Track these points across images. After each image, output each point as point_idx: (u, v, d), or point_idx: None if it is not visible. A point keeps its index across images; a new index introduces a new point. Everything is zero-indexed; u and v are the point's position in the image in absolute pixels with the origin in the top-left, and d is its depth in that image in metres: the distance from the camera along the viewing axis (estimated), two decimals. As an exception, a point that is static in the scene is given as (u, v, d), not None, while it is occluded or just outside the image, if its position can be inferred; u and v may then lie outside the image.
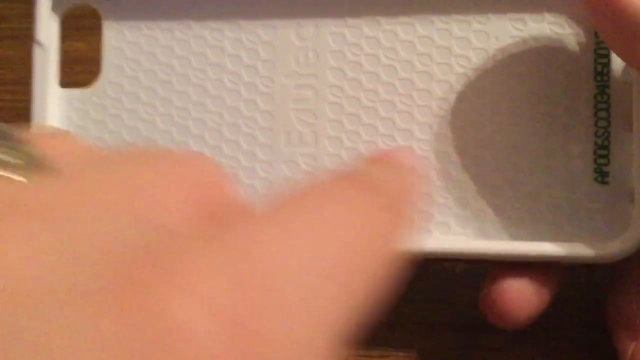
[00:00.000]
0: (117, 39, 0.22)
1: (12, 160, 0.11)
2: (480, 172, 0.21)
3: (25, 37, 0.22)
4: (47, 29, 0.22)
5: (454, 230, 0.21)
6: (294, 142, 0.22)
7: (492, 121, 0.21)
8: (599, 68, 0.21)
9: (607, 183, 0.20)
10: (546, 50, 0.21)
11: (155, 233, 0.10)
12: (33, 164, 0.11)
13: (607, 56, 0.20)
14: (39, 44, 0.22)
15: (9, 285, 0.08)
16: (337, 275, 0.11)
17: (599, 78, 0.21)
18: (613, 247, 0.19)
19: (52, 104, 0.22)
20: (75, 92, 0.22)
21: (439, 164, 0.21)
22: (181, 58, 0.22)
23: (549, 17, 0.21)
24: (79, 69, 0.24)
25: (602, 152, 0.20)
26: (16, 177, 0.11)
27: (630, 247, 0.19)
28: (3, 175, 0.11)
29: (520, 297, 0.20)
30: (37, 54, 0.22)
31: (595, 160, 0.21)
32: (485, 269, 0.21)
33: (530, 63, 0.21)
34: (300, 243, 0.10)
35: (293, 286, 0.10)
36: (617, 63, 0.20)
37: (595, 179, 0.20)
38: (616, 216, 0.20)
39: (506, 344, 0.22)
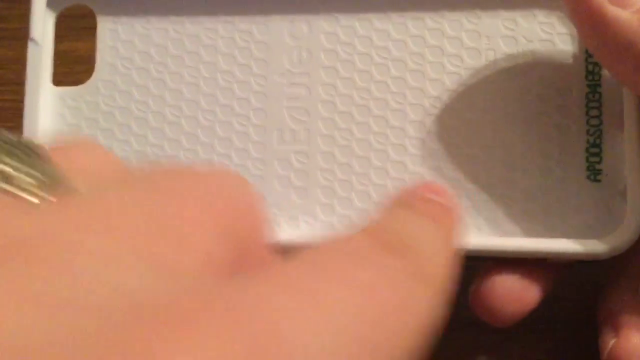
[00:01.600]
0: (111, 37, 0.22)
1: (28, 179, 0.10)
2: (474, 170, 0.21)
3: (25, 37, 0.22)
4: (42, 27, 0.22)
5: None
6: (287, 139, 0.22)
7: (484, 120, 0.21)
8: (590, 67, 0.21)
9: (599, 181, 0.20)
10: (538, 49, 0.21)
11: (171, 287, 0.09)
12: (51, 183, 0.11)
13: (598, 55, 0.21)
14: (34, 41, 0.22)
15: None
16: (356, 353, 0.10)
17: (590, 77, 0.21)
18: (605, 244, 0.19)
19: (45, 101, 0.22)
20: (68, 89, 0.22)
21: (432, 161, 0.21)
22: (175, 57, 0.22)
23: (540, 16, 0.21)
24: (80, 68, 0.24)
25: (594, 150, 0.21)
26: (30, 198, 0.10)
27: (623, 244, 0.19)
28: (18, 195, 0.10)
29: (511, 293, 0.20)
30: (32, 52, 0.22)
31: (587, 159, 0.21)
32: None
33: (522, 62, 0.21)
34: (317, 313, 0.09)
35: None
36: (608, 62, 0.20)
37: (588, 177, 0.20)
38: (609, 213, 0.20)
39: (505, 342, 0.22)
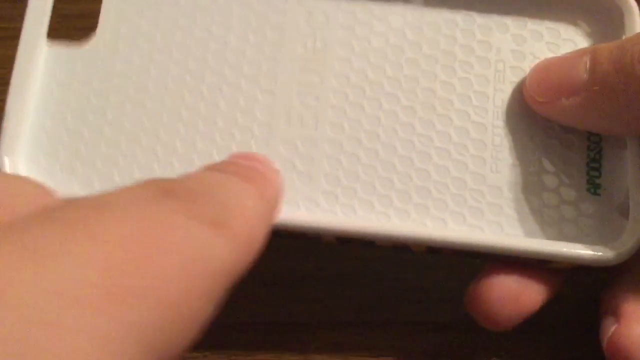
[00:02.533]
0: (118, 0, 0.21)
1: None
2: (480, 172, 0.21)
3: None
4: None
5: (450, 226, 0.20)
6: (294, 123, 0.21)
7: (494, 125, 0.21)
8: None
9: (599, 194, 0.21)
10: None
11: None
12: None
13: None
14: None
15: None
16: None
17: None
18: (611, 250, 0.20)
19: (38, 57, 0.21)
20: (65, 47, 0.21)
21: (439, 160, 0.21)
22: (183, 28, 0.21)
23: (547, 36, 0.22)
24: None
25: (594, 165, 0.21)
26: None
27: (627, 251, 0.20)
28: None
29: (508, 295, 0.19)
30: (31, 2, 0.21)
31: (587, 172, 0.21)
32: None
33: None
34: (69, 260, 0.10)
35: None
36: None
37: (588, 190, 0.21)
38: (607, 226, 0.21)
39: (505, 343, 0.21)
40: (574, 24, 0.22)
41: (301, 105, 0.21)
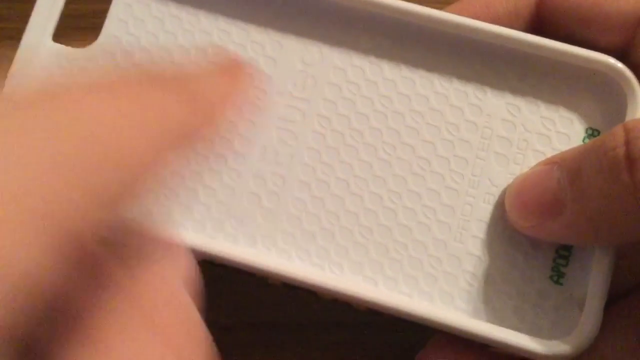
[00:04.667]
0: (124, 11, 0.22)
1: None
2: (443, 238, 0.21)
3: None
4: None
5: (401, 288, 0.20)
6: (269, 158, 0.21)
7: (468, 194, 0.21)
8: None
9: (560, 284, 0.20)
10: (532, 140, 0.21)
11: None
12: None
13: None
14: None
15: None
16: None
17: None
18: (550, 347, 0.19)
19: (40, 54, 0.21)
20: (66, 49, 0.22)
21: (404, 219, 0.21)
22: (181, 47, 0.22)
23: (543, 110, 0.21)
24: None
25: (563, 253, 0.20)
26: None
27: (567, 352, 0.19)
28: None
29: None
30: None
31: (554, 260, 0.20)
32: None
33: (514, 149, 0.21)
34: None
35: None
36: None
37: (551, 277, 0.20)
38: (562, 319, 0.20)
39: None
40: (575, 101, 0.21)
41: (279, 141, 0.21)
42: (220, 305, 0.24)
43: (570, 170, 0.19)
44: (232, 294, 0.24)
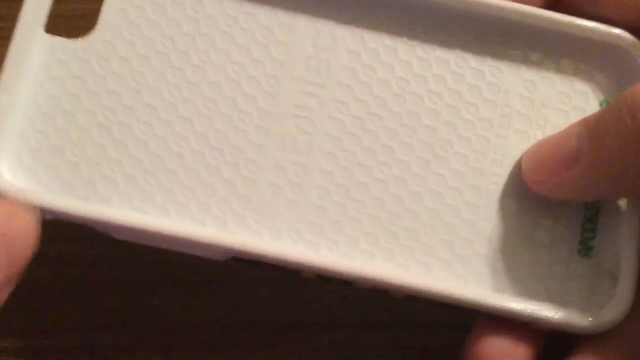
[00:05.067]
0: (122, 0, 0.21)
1: None
2: (472, 219, 0.20)
3: None
4: None
5: (434, 273, 0.20)
6: (288, 148, 0.20)
7: (493, 173, 0.21)
8: None
9: (590, 257, 0.20)
10: (550, 116, 0.21)
11: None
12: None
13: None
14: None
15: None
16: None
17: None
18: (590, 319, 0.19)
19: (34, 48, 0.20)
20: (62, 41, 0.20)
21: (431, 203, 0.20)
22: (186, 35, 0.21)
23: (559, 85, 0.21)
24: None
25: (589, 226, 0.20)
26: None
27: (607, 323, 0.19)
28: None
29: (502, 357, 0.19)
30: None
31: (582, 233, 0.20)
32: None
33: (533, 125, 0.21)
34: None
35: None
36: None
37: (580, 251, 0.20)
38: (596, 292, 0.20)
39: None
40: (590, 75, 0.21)
41: (297, 129, 0.20)
42: (221, 305, 0.23)
43: (589, 124, 0.19)
44: (232, 294, 0.24)
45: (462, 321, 0.22)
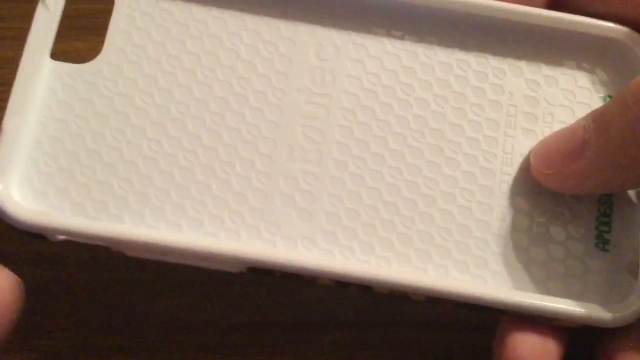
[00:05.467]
0: (126, 22, 0.21)
1: None
2: (486, 219, 0.20)
3: (25, 37, 0.20)
4: None
5: (452, 275, 0.20)
6: (297, 157, 0.20)
7: (503, 171, 0.21)
8: None
9: (607, 250, 0.20)
10: (556, 113, 0.21)
11: None
12: None
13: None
14: (44, 4, 0.20)
15: None
16: None
17: None
18: (611, 312, 0.19)
19: (40, 73, 0.20)
20: (68, 65, 0.21)
21: (444, 204, 0.20)
22: (190, 54, 0.21)
23: (562, 82, 0.21)
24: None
25: (604, 220, 0.20)
26: None
27: (628, 316, 0.19)
28: None
29: (534, 354, 0.19)
30: (38, 16, 0.20)
31: (597, 227, 0.20)
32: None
33: (539, 123, 0.21)
34: None
35: None
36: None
37: (596, 245, 0.20)
38: (614, 285, 0.20)
39: None
40: (591, 71, 0.22)
41: (305, 139, 0.21)
42: (221, 305, 0.23)
43: (595, 116, 0.19)
44: (232, 294, 0.24)
45: (463, 321, 0.22)
